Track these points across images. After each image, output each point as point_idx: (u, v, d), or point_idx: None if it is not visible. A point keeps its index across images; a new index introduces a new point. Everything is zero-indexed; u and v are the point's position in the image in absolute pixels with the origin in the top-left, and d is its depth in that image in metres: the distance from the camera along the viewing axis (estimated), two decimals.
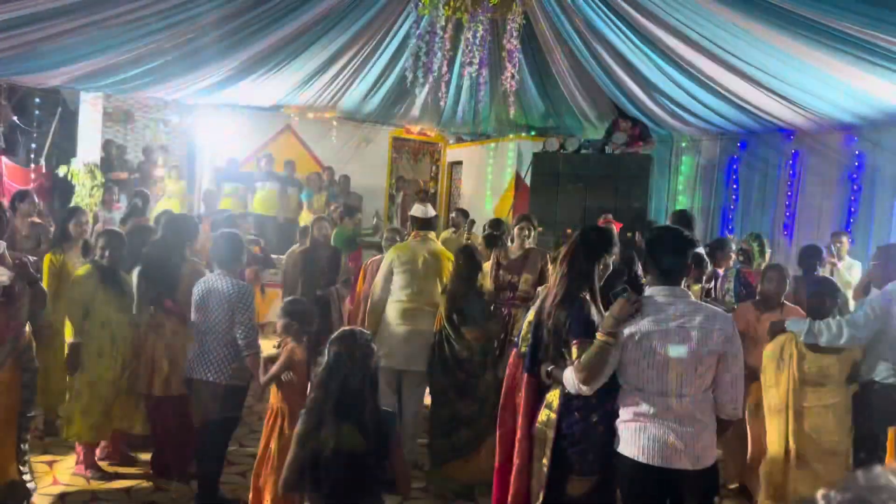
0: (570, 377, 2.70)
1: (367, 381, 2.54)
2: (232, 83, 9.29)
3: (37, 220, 5.73)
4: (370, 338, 2.65)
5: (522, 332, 3.65)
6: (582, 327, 2.81)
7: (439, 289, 4.69)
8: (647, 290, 2.73)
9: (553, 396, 2.99)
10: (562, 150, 9.62)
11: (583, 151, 9.60)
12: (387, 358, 4.54)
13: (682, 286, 2.72)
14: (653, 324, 2.60)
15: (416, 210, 4.95)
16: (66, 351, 4.19)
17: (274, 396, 3.67)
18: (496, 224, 7.09)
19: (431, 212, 4.90)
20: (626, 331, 2.62)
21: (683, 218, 5.53)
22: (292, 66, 8.80)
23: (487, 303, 4.62)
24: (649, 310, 2.63)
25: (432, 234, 4.92)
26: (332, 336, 2.64)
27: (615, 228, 5.95)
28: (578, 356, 2.71)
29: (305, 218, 9.62)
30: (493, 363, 4.51)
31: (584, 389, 2.67)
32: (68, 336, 4.18)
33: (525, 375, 3.23)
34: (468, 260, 4.53)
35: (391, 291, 4.76)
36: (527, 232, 5.33)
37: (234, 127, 11.05)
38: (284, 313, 3.73)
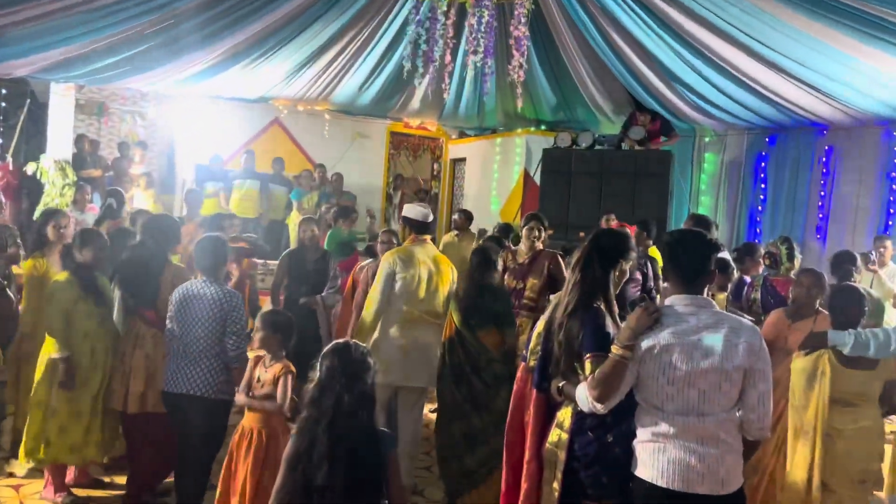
0: (584, 394, 2.71)
1: (363, 398, 2.54)
2: (215, 73, 9.33)
3: (2, 220, 5.76)
4: (366, 351, 2.66)
5: (531, 345, 3.65)
6: (596, 340, 2.81)
7: (441, 298, 4.70)
8: (667, 300, 2.73)
9: (564, 415, 3.00)
10: (574, 146, 9.65)
11: (597, 147, 9.63)
12: (383, 373, 4.54)
13: (706, 294, 2.73)
14: (673, 336, 2.60)
15: (412, 211, 4.84)
16: (50, 367, 4.19)
17: (249, 418, 3.64)
18: (505, 229, 7.15)
19: (429, 214, 4.87)
20: (644, 344, 2.62)
21: (702, 222, 5.55)
22: (281, 54, 8.83)
23: (506, 303, 4.62)
24: (669, 321, 2.63)
25: (429, 239, 4.90)
26: (325, 349, 2.64)
27: (630, 232, 5.97)
28: (592, 371, 2.71)
29: (295, 220, 9.65)
30: (513, 373, 4.53)
31: (599, 407, 2.67)
32: (51, 350, 4.19)
33: (534, 392, 3.23)
34: (484, 259, 4.56)
35: (390, 296, 4.71)
36: (536, 233, 5.35)
37: (218, 121, 11.08)
38: (263, 325, 3.69)
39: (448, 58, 7.45)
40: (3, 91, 9.91)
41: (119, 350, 4.24)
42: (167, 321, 3.95)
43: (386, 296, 4.64)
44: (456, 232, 8.59)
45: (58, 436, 4.16)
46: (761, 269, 5.61)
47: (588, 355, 2.79)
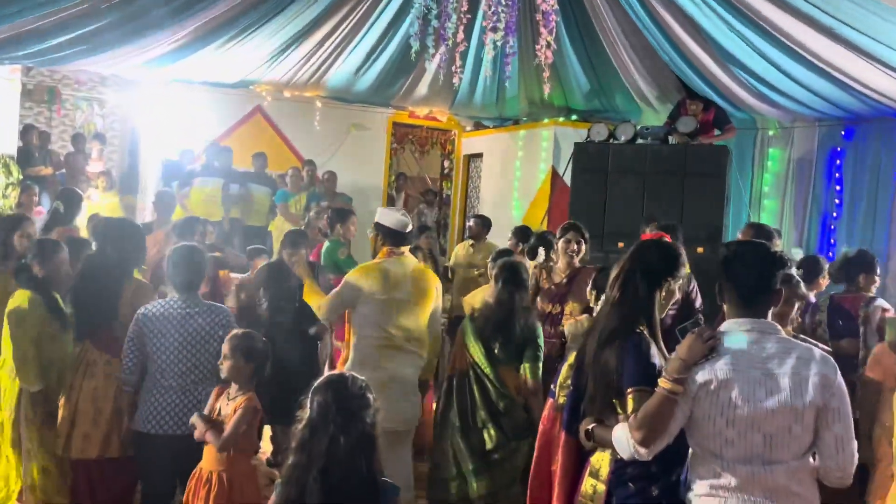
0: (624, 437, 2.69)
1: (362, 441, 2.55)
2: (186, 54, 9.39)
3: None
4: (365, 385, 2.67)
5: (560, 378, 3.67)
6: (640, 372, 2.80)
7: (424, 321, 4.68)
8: (724, 325, 2.72)
9: (600, 461, 2.99)
10: (612, 140, 9.61)
11: (639, 141, 9.57)
12: None
13: (770, 318, 2.72)
14: (732, 369, 2.59)
15: (387, 217, 4.78)
16: (24, 402, 4.22)
17: (209, 458, 3.65)
18: (522, 233, 7.10)
19: (408, 222, 4.84)
20: (699, 377, 2.61)
21: (762, 232, 5.54)
22: (265, 31, 8.89)
23: (536, 333, 4.59)
24: (727, 350, 2.63)
25: (407, 251, 4.89)
26: (317, 383, 2.65)
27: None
28: (635, 410, 2.70)
29: (280, 227, 9.68)
30: (536, 422, 4.50)
31: (643, 453, 2.66)
32: (8, 384, 4.22)
33: (563, 434, 3.24)
34: (513, 275, 4.54)
35: (358, 328, 4.69)
36: (574, 246, 5.35)
37: (189, 110, 11.16)
38: (234, 351, 3.71)
39: (462, 35, 7.47)
40: None
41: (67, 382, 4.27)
42: (129, 350, 3.96)
43: (333, 314, 4.72)
44: (471, 242, 8.59)
45: (44, 478, 4.19)
46: (825, 286, 5.60)
47: (630, 390, 2.78)
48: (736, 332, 2.66)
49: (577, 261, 5.32)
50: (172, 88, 11.00)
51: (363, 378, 2.72)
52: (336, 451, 2.49)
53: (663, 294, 3.00)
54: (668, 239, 5.43)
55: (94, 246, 4.79)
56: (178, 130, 11.03)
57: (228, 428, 3.59)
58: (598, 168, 9.58)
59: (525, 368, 4.45)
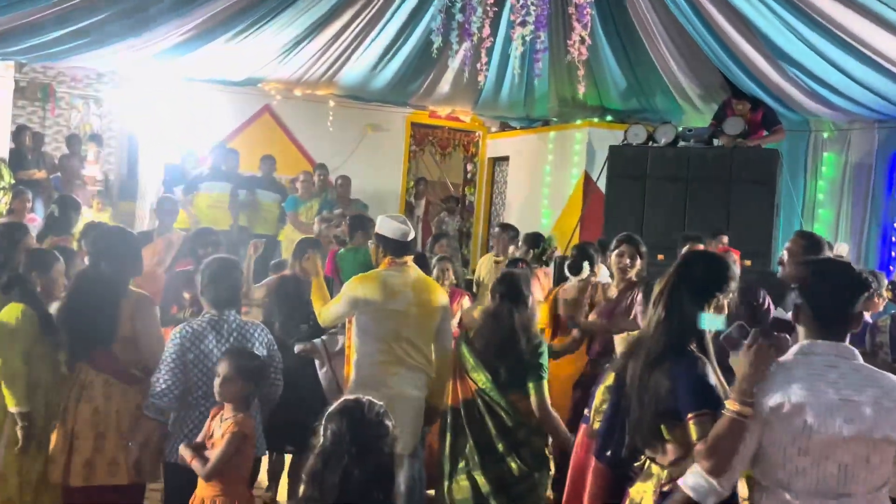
0: (702, 479, 2.65)
1: (379, 474, 2.55)
2: (191, 48, 9.49)
3: None
4: (383, 411, 2.66)
5: (596, 402, 3.67)
6: (698, 396, 2.79)
7: (428, 336, 4.71)
8: (799, 346, 2.73)
9: (642, 493, 2.99)
10: (651, 143, 9.60)
11: (681, 144, 9.56)
12: None
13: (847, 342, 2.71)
14: (806, 392, 2.58)
15: (387, 226, 4.82)
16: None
17: (204, 485, 3.69)
18: (533, 240, 7.09)
19: (410, 231, 4.88)
20: (770, 401, 2.60)
21: (813, 244, 5.51)
22: (275, 24, 8.97)
23: (541, 353, 4.58)
24: (800, 372, 2.63)
25: (411, 261, 4.92)
26: (331, 409, 2.66)
27: (735, 258, 5.93)
28: (700, 437, 2.69)
29: (290, 236, 9.71)
30: (544, 450, 4.48)
31: (720, 485, 2.64)
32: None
33: (594, 462, 3.27)
34: (511, 288, 4.53)
35: (358, 342, 4.74)
36: (627, 260, 5.30)
37: (193, 109, 11.25)
38: (231, 371, 3.75)
39: (488, 30, 7.51)
40: None
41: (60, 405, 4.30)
42: (169, 371, 3.99)
43: (335, 321, 4.87)
44: (495, 253, 8.60)
45: None
46: (883, 304, 5.58)
47: (691, 416, 2.77)
48: (811, 355, 2.67)
49: (631, 276, 5.29)
50: (175, 86, 11.08)
51: (381, 403, 2.71)
52: (349, 485, 2.49)
53: (712, 310, 2.98)
54: (736, 255, 5.44)
55: (85, 259, 4.82)
56: (180, 132, 11.10)
57: (214, 456, 3.64)
58: (635, 173, 9.55)
59: (531, 389, 4.41)
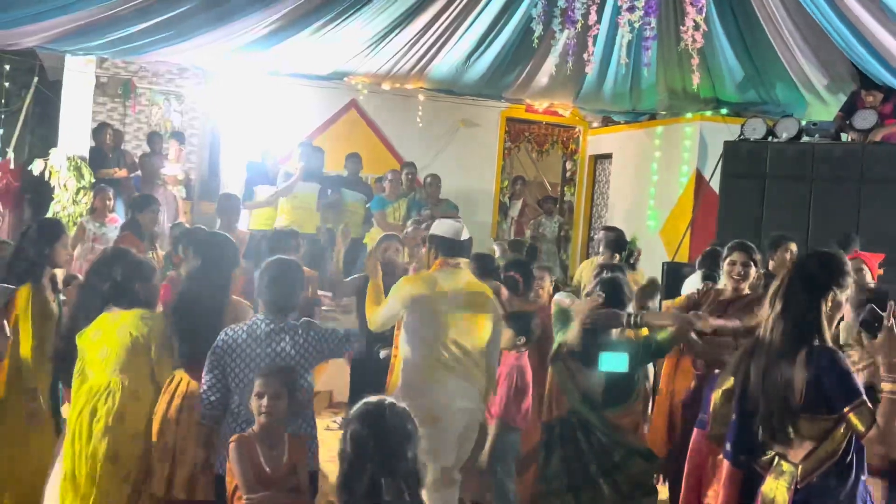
0: None
1: (407, 482, 2.60)
2: (276, 41, 9.64)
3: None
4: (405, 412, 2.71)
5: (713, 406, 3.75)
6: (850, 387, 2.95)
7: (480, 343, 4.69)
8: None
9: (774, 490, 3.10)
10: (771, 138, 9.44)
11: (804, 139, 9.39)
12: None
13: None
14: None
15: (441, 227, 4.91)
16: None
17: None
18: (617, 244, 7.04)
19: (463, 229, 4.90)
20: None
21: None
22: (363, 15, 9.05)
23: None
24: None
25: (464, 264, 4.94)
26: (352, 411, 2.71)
27: (873, 262, 5.76)
28: (868, 426, 2.87)
29: (375, 237, 9.77)
30: (652, 474, 4.47)
31: None
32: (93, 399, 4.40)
33: (726, 466, 3.35)
34: (614, 293, 4.49)
35: (406, 345, 4.77)
36: (740, 269, 5.22)
37: (276, 105, 11.44)
38: (274, 386, 3.80)
39: (594, 16, 7.46)
40: (6, 67, 10.59)
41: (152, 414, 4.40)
42: (214, 380, 4.06)
43: (384, 324, 4.85)
44: (601, 258, 8.50)
45: None
46: None
47: (847, 409, 2.93)
48: None
49: (744, 287, 5.18)
50: (258, 81, 11.29)
51: (404, 405, 2.75)
52: (378, 496, 2.55)
53: (829, 306, 3.13)
54: (873, 259, 5.37)
55: (191, 261, 4.93)
56: (263, 129, 11.29)
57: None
58: (753, 171, 9.40)
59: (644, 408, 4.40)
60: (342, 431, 2.68)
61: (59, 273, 5.21)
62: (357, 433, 2.61)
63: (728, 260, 5.25)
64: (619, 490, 4.30)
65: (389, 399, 2.74)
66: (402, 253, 6.17)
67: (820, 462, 3.00)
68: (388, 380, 5.13)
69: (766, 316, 3.21)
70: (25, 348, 4.69)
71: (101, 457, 4.29)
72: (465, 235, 4.90)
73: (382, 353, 5.71)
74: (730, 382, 3.44)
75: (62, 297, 5.14)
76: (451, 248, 4.84)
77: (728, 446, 3.32)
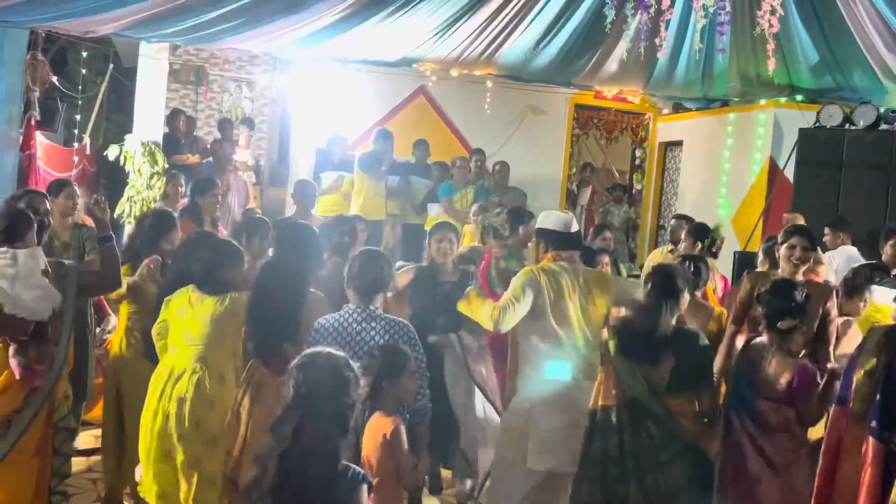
0: None
1: (333, 425, 2.78)
2: (347, 27, 9.66)
3: (82, 218, 6.24)
4: (343, 361, 2.89)
5: (857, 384, 3.86)
6: None
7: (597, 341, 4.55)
8: None
9: None
10: (848, 125, 9.29)
11: (883, 127, 9.22)
12: (536, 453, 4.49)
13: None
14: None
15: (549, 219, 4.79)
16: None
17: None
18: (699, 232, 6.95)
19: (572, 221, 4.80)
20: None
21: None
22: (429, 4, 9.02)
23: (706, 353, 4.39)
24: None
25: (577, 257, 4.83)
26: (295, 362, 2.91)
27: None
28: None
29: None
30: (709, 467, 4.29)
31: None
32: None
33: (871, 442, 3.59)
34: (663, 283, 4.32)
35: (525, 344, 4.66)
36: (799, 254, 5.17)
37: (345, 92, 11.50)
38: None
39: (668, 1, 7.35)
40: (83, 55, 10.79)
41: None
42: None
43: (510, 321, 4.58)
44: (671, 247, 8.38)
45: None
46: None
47: None
48: None
49: (801, 273, 5.13)
50: (327, 68, 11.37)
51: (343, 354, 2.95)
52: (300, 436, 2.75)
53: None
54: None
55: (272, 250, 4.98)
56: (332, 115, 11.37)
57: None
58: (829, 160, 9.30)
59: (702, 396, 4.22)
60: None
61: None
62: (295, 380, 2.83)
63: (787, 244, 5.20)
64: (649, 495, 4.13)
65: (329, 350, 2.95)
66: (455, 242, 6.04)
67: None
68: (508, 387, 5.06)
69: None
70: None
71: (189, 438, 4.37)
72: (574, 227, 4.80)
73: (431, 339, 5.64)
74: (872, 362, 3.64)
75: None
76: (561, 241, 4.74)
77: (874, 423, 3.54)
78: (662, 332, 4.21)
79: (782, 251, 5.26)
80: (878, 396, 3.60)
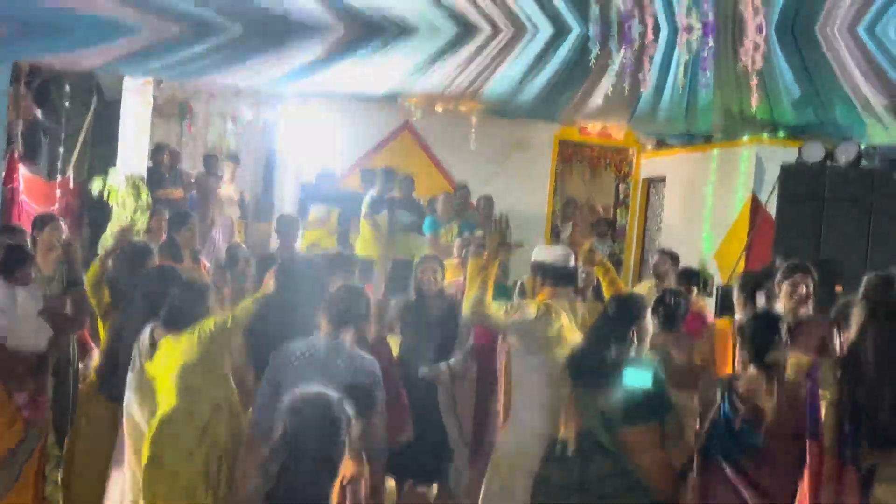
0: None
1: (320, 468, 2.77)
2: (330, 64, 9.67)
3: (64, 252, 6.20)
4: (338, 401, 2.86)
5: (824, 416, 3.88)
6: None
7: None
8: None
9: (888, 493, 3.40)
10: (829, 162, 9.33)
11: (864, 164, 9.26)
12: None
13: None
14: None
15: (545, 253, 4.82)
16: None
17: None
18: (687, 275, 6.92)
19: (570, 256, 4.77)
20: None
21: None
22: (416, 36, 9.04)
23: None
24: None
25: (573, 293, 4.85)
26: (287, 403, 2.90)
27: None
28: None
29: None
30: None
31: None
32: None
33: (851, 469, 3.66)
34: (625, 311, 4.31)
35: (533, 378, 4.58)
36: (803, 290, 5.17)
37: (330, 126, 11.49)
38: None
39: (651, 35, 7.38)
40: (67, 88, 10.71)
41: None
42: (266, 401, 4.05)
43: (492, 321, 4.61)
44: (655, 282, 8.36)
45: None
46: None
47: None
48: None
49: (803, 308, 5.15)
50: (312, 102, 11.38)
51: (337, 396, 2.89)
52: (286, 477, 2.73)
53: None
54: None
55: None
56: (316, 150, 11.38)
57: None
58: (811, 196, 9.34)
59: (666, 425, 4.16)
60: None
61: None
62: (287, 422, 2.82)
63: (790, 281, 5.20)
64: None
65: (324, 392, 2.90)
66: (440, 274, 6.08)
67: None
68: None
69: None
70: None
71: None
72: (572, 262, 4.77)
73: (422, 372, 5.65)
74: (833, 394, 3.75)
75: None
76: (558, 276, 4.70)
77: (848, 452, 3.62)
78: (613, 359, 4.15)
79: (785, 287, 5.24)
80: (846, 426, 3.68)
